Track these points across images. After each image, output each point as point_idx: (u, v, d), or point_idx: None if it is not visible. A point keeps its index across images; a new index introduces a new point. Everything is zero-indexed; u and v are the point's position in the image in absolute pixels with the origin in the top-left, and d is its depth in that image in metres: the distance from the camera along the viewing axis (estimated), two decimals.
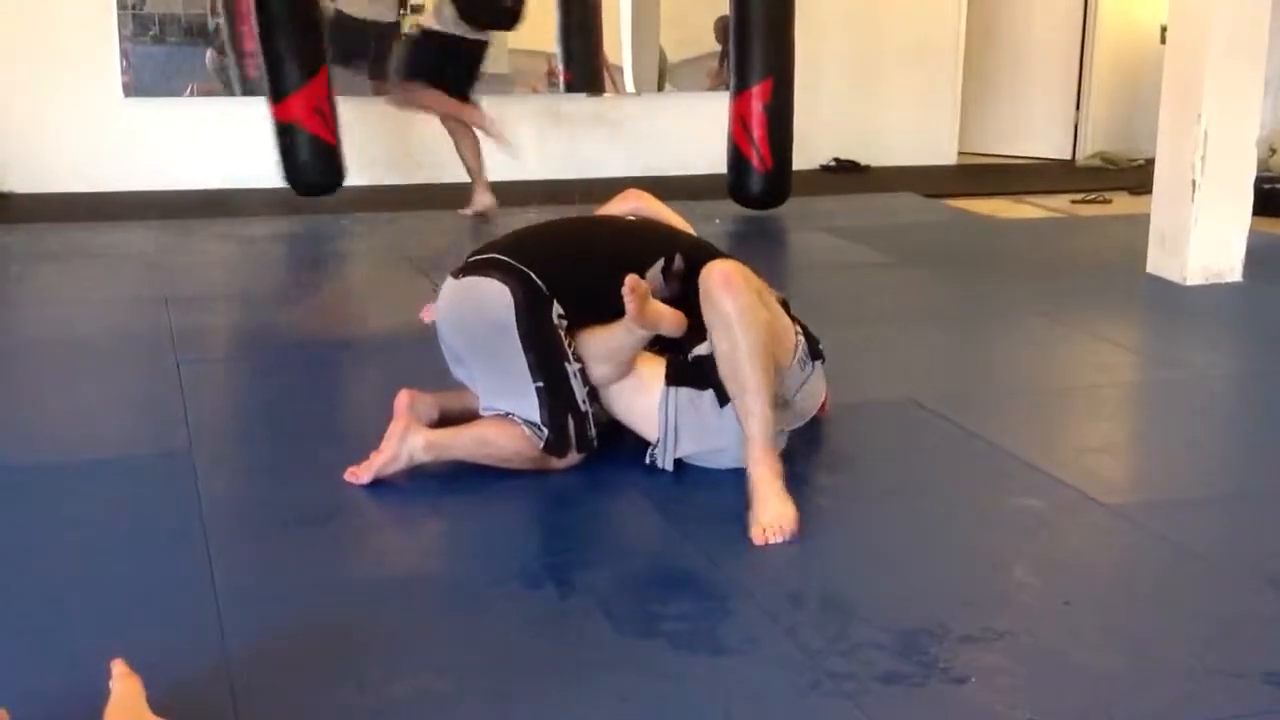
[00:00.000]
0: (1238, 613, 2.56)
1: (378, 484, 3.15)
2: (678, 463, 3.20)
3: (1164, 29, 5.68)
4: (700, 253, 3.32)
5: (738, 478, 3.18)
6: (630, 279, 2.99)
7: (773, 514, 2.86)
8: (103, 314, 4.79)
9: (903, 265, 5.78)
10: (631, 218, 3.50)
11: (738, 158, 6.76)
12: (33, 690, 2.19)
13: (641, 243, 3.35)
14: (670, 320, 3.09)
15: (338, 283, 5.61)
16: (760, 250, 6.29)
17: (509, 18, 6.59)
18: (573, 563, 2.75)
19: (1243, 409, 4.02)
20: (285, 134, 6.37)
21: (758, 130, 6.64)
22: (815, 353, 3.31)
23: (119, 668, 2.07)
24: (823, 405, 3.46)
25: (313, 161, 6.41)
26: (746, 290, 3.00)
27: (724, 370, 3.03)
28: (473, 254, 3.31)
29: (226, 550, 2.77)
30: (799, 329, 3.29)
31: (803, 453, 3.33)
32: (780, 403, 3.13)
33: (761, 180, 6.74)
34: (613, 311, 3.08)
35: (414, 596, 2.61)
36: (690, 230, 3.58)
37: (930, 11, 8.64)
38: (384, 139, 7.60)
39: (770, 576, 2.67)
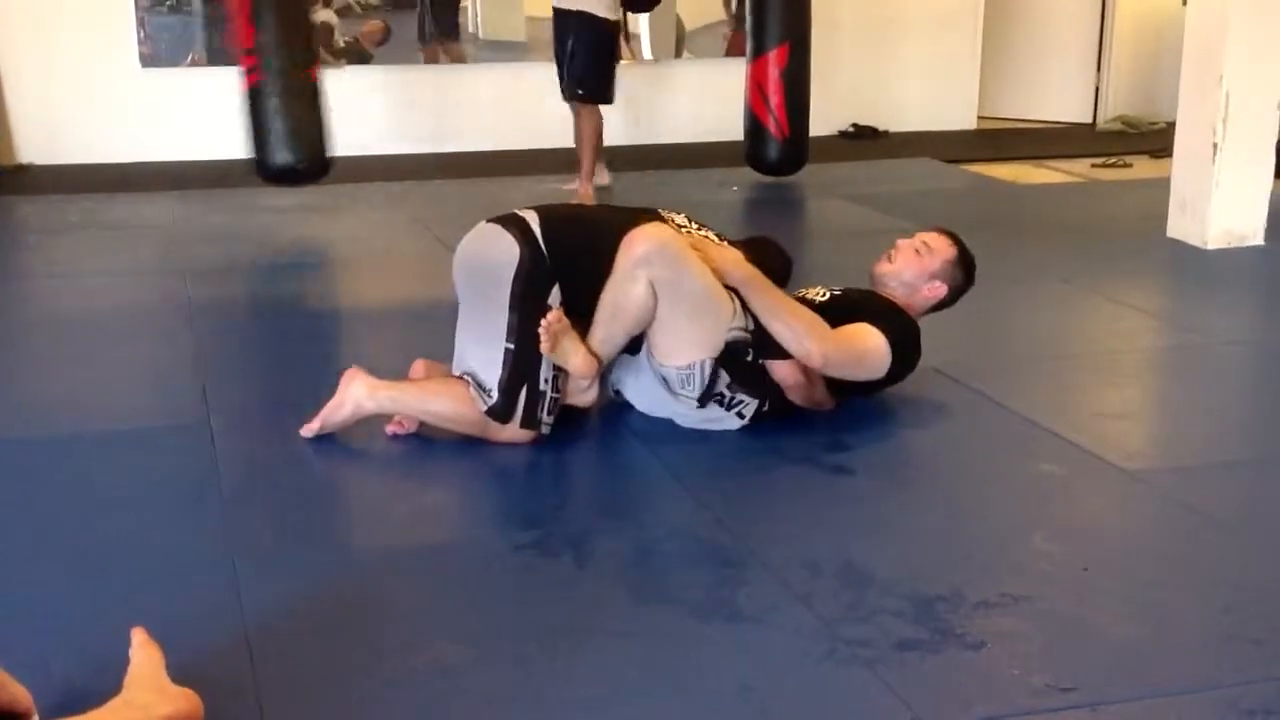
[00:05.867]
0: (1257, 578, 2.55)
1: (395, 454, 3.17)
2: (695, 432, 3.23)
3: None
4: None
5: (753, 448, 3.19)
6: (551, 315, 3.05)
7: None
8: (121, 285, 4.81)
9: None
10: (685, 230, 3.31)
11: (755, 124, 6.73)
12: (53, 659, 2.20)
13: None
14: (576, 363, 3.12)
15: (356, 252, 5.61)
16: (778, 218, 6.27)
17: None
18: (589, 531, 2.76)
19: (1264, 374, 4.00)
20: None
21: (774, 97, 6.61)
22: (710, 393, 3.18)
23: (139, 636, 2.09)
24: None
25: None
26: (638, 263, 3.04)
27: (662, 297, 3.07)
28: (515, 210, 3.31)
29: (245, 520, 2.78)
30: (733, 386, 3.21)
31: (821, 419, 3.32)
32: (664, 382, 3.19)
33: (779, 147, 6.71)
34: None
35: (432, 565, 2.62)
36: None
37: None
38: (406, 108, 7.60)
39: (787, 544, 2.67)
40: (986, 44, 8.80)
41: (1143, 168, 7.46)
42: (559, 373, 3.16)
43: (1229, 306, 4.64)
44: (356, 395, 3.16)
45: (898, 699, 2.12)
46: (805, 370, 3.23)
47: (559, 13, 6.40)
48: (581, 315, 3.14)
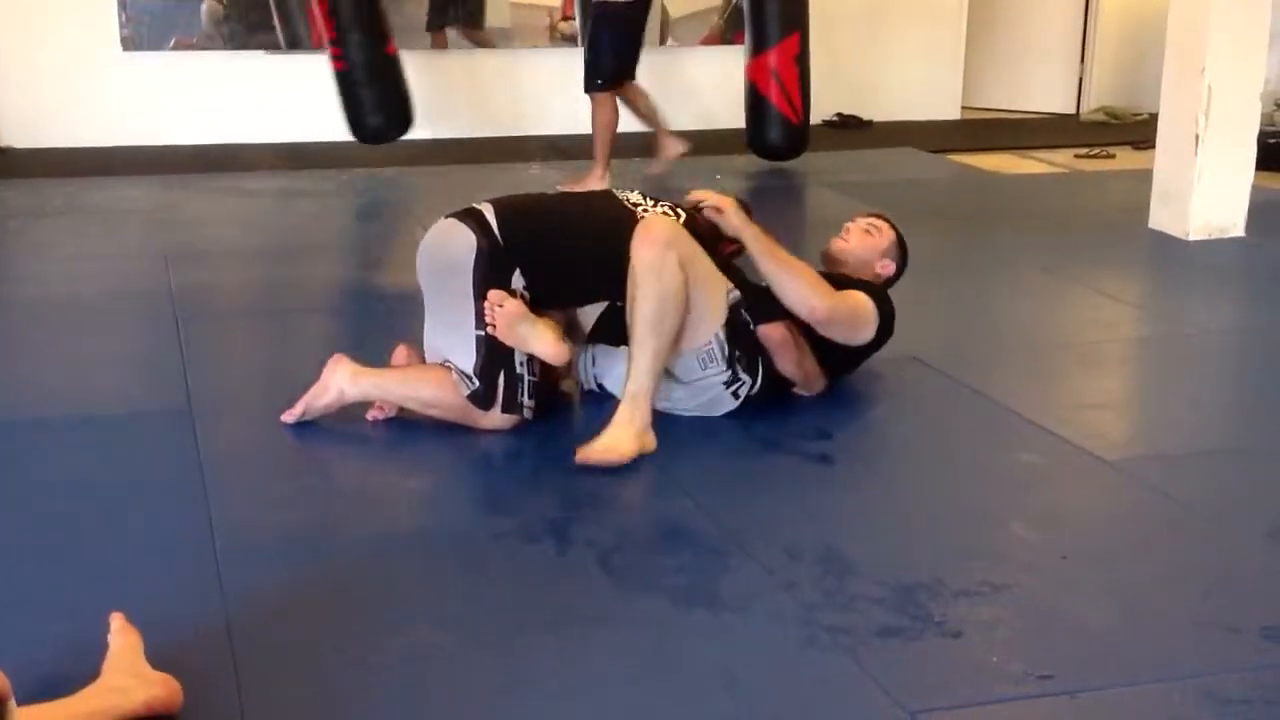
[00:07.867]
0: (1235, 567, 2.57)
1: (377, 440, 3.17)
2: (674, 419, 3.21)
3: None
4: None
5: (735, 436, 3.19)
6: (493, 294, 3.05)
7: (607, 444, 2.98)
8: (102, 270, 4.78)
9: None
10: (641, 208, 3.31)
11: (767, 110, 6.68)
12: (31, 644, 2.19)
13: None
14: (544, 349, 3.09)
15: (339, 239, 5.60)
16: (762, 207, 6.23)
17: None
18: (571, 518, 2.76)
19: (1244, 364, 4.02)
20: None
21: (788, 81, 6.60)
22: (731, 361, 3.19)
23: (117, 621, 2.08)
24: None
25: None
26: (663, 247, 3.02)
27: (628, 315, 3.07)
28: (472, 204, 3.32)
29: (225, 505, 2.77)
30: (733, 345, 3.20)
31: (803, 408, 3.33)
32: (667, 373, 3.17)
33: (791, 131, 6.71)
34: (578, 297, 3.25)
35: (413, 551, 2.62)
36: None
37: None
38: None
39: (768, 532, 2.68)
40: (970, 34, 8.80)
41: (1125, 159, 7.47)
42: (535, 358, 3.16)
43: (1209, 297, 4.65)
44: (339, 381, 3.16)
45: (877, 685, 2.13)
46: (794, 333, 3.26)
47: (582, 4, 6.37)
48: (544, 302, 3.16)
